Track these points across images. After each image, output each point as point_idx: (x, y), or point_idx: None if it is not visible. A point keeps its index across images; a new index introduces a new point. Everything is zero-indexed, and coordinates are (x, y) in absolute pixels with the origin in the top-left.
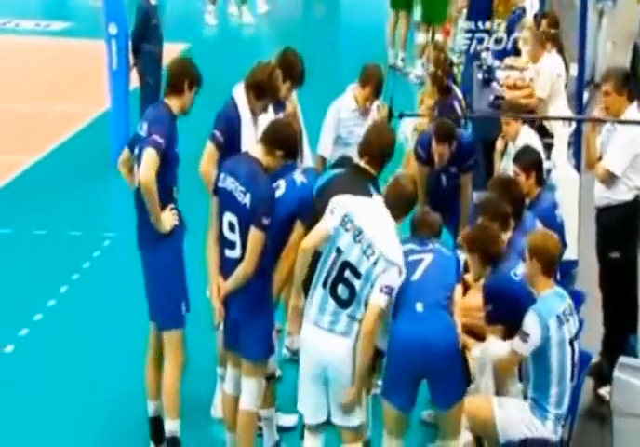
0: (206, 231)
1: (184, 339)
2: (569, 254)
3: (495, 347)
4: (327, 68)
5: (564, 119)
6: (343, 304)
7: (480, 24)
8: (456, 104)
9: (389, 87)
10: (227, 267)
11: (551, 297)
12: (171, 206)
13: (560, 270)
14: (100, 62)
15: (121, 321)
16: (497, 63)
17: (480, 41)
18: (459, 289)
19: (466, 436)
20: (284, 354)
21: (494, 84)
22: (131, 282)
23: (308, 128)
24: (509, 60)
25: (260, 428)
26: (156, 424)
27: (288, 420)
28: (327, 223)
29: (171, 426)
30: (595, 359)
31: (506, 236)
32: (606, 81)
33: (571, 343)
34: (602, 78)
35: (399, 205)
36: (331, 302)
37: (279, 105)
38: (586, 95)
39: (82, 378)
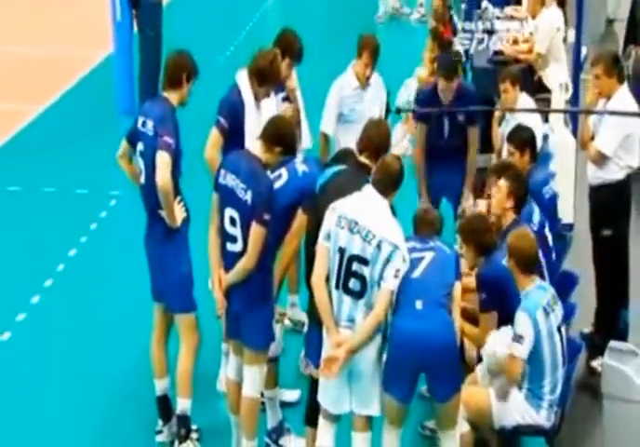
0: (207, 221)
1: (198, 321)
2: (565, 219)
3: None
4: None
5: (559, 111)
6: (357, 295)
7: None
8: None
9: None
10: (228, 260)
11: (534, 292)
12: (179, 198)
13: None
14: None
15: (130, 288)
16: (497, 12)
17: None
18: (458, 286)
19: (464, 426)
20: (285, 324)
21: (494, 37)
22: (138, 247)
23: (307, 102)
24: (509, 10)
25: (263, 404)
26: (164, 402)
27: (291, 395)
28: (323, 233)
29: (183, 405)
30: (588, 330)
31: (511, 217)
32: (596, 64)
33: (559, 329)
34: (591, 62)
35: (387, 183)
36: (346, 299)
37: (279, 86)
38: (584, 50)
39: (91, 347)
